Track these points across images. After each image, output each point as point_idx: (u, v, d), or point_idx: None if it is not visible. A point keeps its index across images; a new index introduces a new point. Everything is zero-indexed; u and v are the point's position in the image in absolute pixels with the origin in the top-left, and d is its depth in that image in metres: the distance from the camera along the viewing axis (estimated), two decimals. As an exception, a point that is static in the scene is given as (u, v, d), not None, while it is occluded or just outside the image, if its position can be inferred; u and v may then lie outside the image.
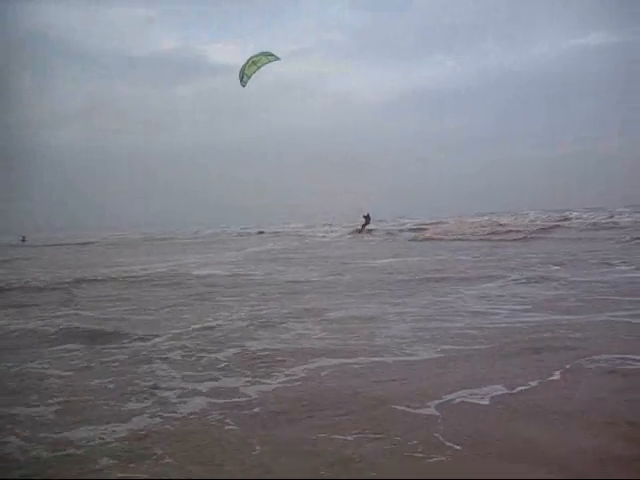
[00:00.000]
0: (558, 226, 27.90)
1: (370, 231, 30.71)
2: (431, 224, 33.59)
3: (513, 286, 9.27)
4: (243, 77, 9.00)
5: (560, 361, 4.81)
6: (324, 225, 41.02)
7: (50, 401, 4.23)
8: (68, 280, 12.40)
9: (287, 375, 4.74)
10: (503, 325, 6.41)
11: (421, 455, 3.12)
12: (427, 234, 26.70)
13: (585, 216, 33.42)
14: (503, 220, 33.82)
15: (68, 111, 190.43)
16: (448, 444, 3.24)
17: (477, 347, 5.45)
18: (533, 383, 4.29)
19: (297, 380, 4.61)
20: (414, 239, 25.59)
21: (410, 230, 31.18)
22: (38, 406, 4.13)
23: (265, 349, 5.63)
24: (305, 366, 4.96)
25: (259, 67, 8.92)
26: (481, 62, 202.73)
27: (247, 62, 8.95)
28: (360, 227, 30.70)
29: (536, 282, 9.58)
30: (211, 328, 6.76)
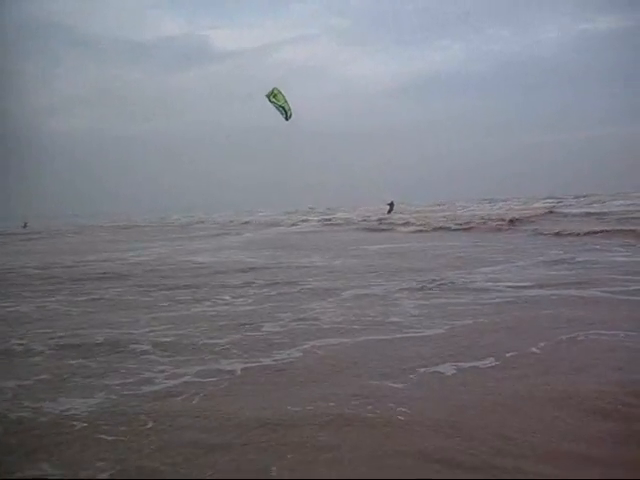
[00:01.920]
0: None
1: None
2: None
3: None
4: (288, 112, 8.58)
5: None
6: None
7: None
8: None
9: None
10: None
11: (370, 422, 3.17)
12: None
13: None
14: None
15: (77, 97, 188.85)
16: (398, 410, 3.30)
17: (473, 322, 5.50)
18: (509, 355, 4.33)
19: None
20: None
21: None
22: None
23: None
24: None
25: (282, 93, 8.61)
26: (487, 47, 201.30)
27: (274, 102, 8.56)
28: (387, 212, 32.94)
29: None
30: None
